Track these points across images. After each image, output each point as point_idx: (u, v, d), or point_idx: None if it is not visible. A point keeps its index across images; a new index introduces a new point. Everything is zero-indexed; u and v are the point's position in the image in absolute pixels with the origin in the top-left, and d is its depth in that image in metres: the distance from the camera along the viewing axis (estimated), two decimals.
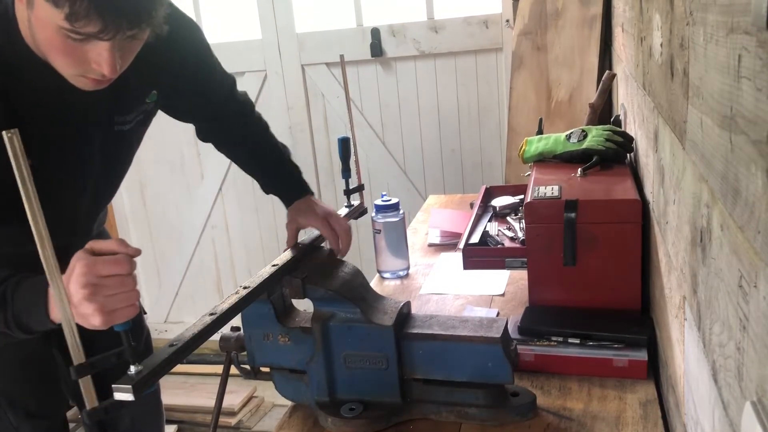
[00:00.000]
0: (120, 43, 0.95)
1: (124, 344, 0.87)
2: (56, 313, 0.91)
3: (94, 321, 0.89)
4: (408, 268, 1.78)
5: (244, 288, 1.12)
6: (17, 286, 0.99)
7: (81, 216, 1.32)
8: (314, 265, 1.23)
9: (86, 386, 0.84)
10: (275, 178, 1.52)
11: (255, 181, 1.55)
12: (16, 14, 1.01)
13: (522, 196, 1.84)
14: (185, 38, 1.29)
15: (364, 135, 3.05)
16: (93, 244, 0.92)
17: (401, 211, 1.76)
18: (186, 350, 0.96)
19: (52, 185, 1.11)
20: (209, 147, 1.57)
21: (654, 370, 1.22)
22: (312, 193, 1.48)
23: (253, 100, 3.09)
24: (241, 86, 1.54)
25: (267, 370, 1.24)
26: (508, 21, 2.70)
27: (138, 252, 0.92)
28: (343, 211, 1.49)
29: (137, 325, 1.54)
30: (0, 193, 0.89)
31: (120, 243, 0.91)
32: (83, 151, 1.20)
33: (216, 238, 3.38)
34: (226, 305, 1.06)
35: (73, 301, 0.87)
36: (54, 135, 1.12)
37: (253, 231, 3.33)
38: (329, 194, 3.17)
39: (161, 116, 1.39)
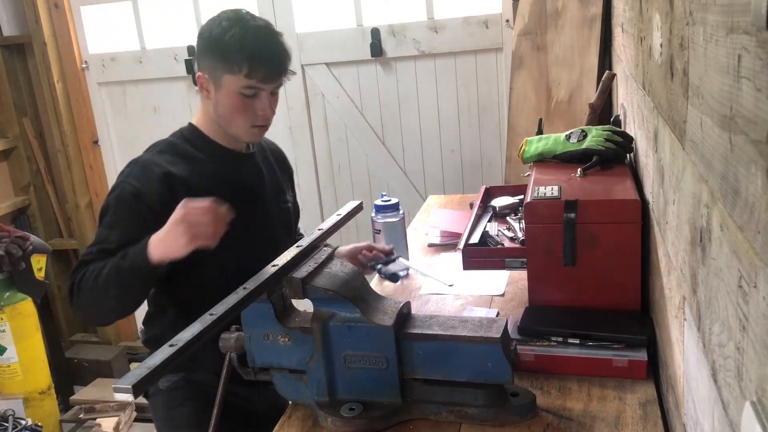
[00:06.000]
0: (272, 92, 1.45)
1: None
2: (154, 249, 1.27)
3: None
4: (408, 268, 1.78)
5: (244, 288, 1.12)
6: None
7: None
8: (314, 266, 1.23)
9: None
10: None
11: None
12: (193, 120, 1.51)
13: (522, 196, 1.84)
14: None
15: (364, 135, 3.05)
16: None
17: (401, 211, 1.76)
18: (186, 350, 0.96)
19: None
20: None
21: (654, 370, 1.22)
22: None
23: None
24: None
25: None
26: (508, 21, 2.70)
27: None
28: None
29: None
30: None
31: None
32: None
33: None
34: (226, 305, 1.06)
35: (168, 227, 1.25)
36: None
37: None
38: (329, 194, 3.17)
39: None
